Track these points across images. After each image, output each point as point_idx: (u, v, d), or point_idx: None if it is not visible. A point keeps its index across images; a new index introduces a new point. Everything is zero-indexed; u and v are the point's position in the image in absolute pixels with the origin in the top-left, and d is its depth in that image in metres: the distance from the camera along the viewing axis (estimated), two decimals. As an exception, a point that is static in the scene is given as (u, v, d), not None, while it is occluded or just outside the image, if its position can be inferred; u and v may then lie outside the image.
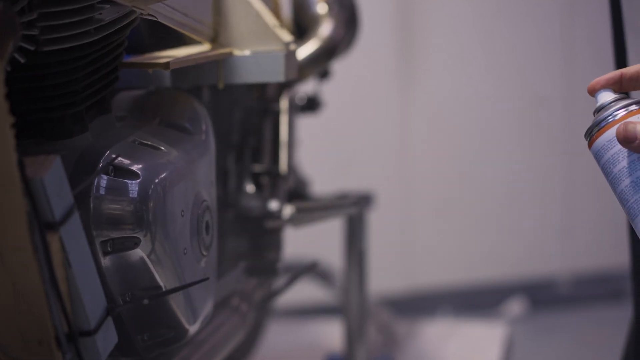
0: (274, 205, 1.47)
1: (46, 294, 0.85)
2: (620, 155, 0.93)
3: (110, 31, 1.00)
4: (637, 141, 0.91)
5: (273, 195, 1.48)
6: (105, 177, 0.98)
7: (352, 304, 1.80)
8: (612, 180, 0.95)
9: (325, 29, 1.62)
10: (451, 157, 3.01)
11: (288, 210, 1.48)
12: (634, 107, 0.94)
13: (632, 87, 0.97)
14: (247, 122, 1.51)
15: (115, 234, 0.98)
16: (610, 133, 0.94)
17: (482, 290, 3.05)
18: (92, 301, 0.92)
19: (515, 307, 2.99)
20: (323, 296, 2.48)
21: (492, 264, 3.06)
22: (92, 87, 1.02)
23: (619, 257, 1.80)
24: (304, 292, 2.37)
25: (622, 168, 0.93)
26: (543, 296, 3.05)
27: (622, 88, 0.97)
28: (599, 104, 0.96)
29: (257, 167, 1.48)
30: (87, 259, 0.92)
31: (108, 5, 0.97)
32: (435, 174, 2.99)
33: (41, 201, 0.84)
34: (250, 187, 1.47)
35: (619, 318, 1.73)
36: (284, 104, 1.54)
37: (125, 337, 1.02)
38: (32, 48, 0.93)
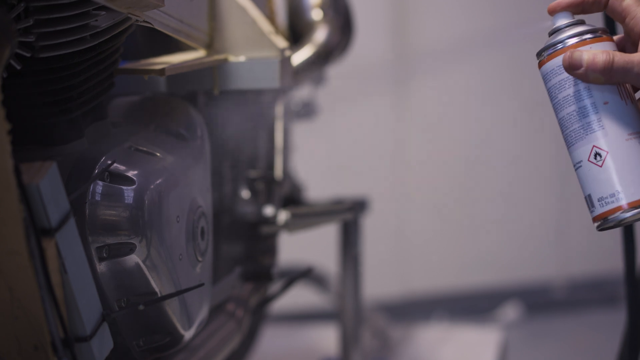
0: (269, 210, 1.47)
1: (42, 299, 0.86)
2: (566, 83, 0.95)
3: (106, 38, 1.00)
4: (581, 69, 0.92)
5: (268, 200, 1.48)
6: (100, 183, 0.98)
7: (347, 309, 1.80)
8: (556, 106, 0.96)
9: (320, 34, 1.62)
10: (446, 163, 3.01)
11: (283, 215, 1.48)
12: (588, 36, 0.95)
13: (595, 9, 0.97)
14: (242, 127, 1.51)
15: (110, 240, 0.98)
16: (560, 59, 0.95)
17: (477, 295, 3.06)
18: (88, 307, 0.92)
19: (510, 312, 3.00)
20: (318, 301, 2.48)
21: (486, 269, 3.07)
22: (88, 93, 1.02)
23: (613, 262, 1.80)
24: (299, 297, 2.37)
25: (567, 95, 0.95)
26: (538, 301, 3.06)
27: (584, 11, 0.98)
28: (555, 26, 0.97)
29: (253, 173, 1.48)
30: (83, 265, 0.92)
31: (104, 12, 0.97)
32: (430, 179, 3.00)
33: (37, 207, 0.85)
34: (245, 193, 1.47)
35: (614, 323, 1.74)
36: (279, 109, 1.54)
37: (120, 342, 1.02)
38: (28, 54, 0.93)
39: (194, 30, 1.19)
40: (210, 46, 1.25)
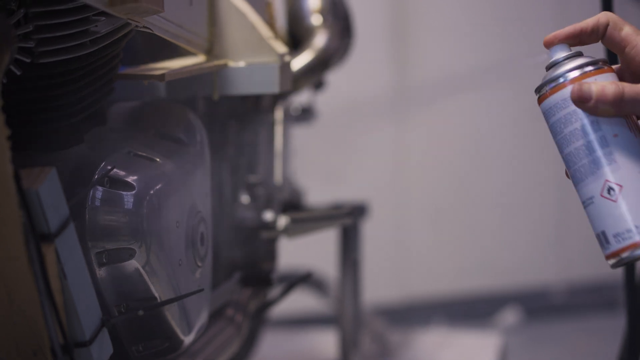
0: (268, 215, 1.47)
1: (41, 305, 0.86)
2: (572, 117, 0.92)
3: (106, 43, 1.00)
4: (591, 101, 0.89)
5: (268, 205, 1.49)
6: (100, 188, 0.98)
7: (346, 313, 1.80)
8: (561, 141, 0.93)
9: (320, 40, 1.63)
10: (445, 168, 3.01)
11: (283, 220, 1.48)
12: (590, 68, 0.92)
13: (592, 40, 0.95)
14: (242, 132, 1.51)
15: (110, 245, 0.98)
16: (564, 93, 0.92)
17: (476, 299, 3.06)
18: (87, 312, 0.92)
19: (509, 316, 3.00)
20: (318, 306, 2.48)
21: (486, 274, 3.07)
22: (88, 98, 1.02)
23: (613, 266, 1.80)
24: (299, 301, 2.37)
25: (574, 130, 0.92)
26: (537, 306, 3.06)
27: (581, 42, 0.95)
28: (553, 59, 0.95)
29: (252, 178, 1.48)
30: (82, 270, 0.92)
31: (103, 18, 0.97)
32: (430, 184, 3.00)
33: (37, 212, 0.85)
34: (245, 198, 1.47)
35: (613, 327, 1.74)
36: (278, 114, 1.55)
37: (120, 348, 1.02)
38: (28, 60, 0.93)
39: (194, 36, 1.19)
40: (209, 51, 1.25)
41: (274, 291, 1.59)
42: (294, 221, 1.50)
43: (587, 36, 0.95)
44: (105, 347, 0.95)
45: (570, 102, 0.91)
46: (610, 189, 0.90)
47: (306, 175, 2.01)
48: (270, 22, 1.49)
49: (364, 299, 1.89)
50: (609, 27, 0.94)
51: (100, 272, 0.98)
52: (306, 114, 1.77)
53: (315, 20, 1.65)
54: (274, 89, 1.25)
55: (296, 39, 1.67)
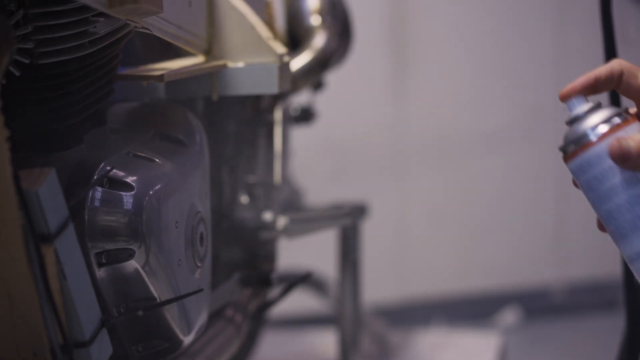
0: (268, 216, 1.47)
1: (41, 305, 0.86)
2: (610, 173, 0.88)
3: (105, 44, 1.01)
4: (631, 159, 0.87)
5: (267, 206, 1.49)
6: (99, 189, 0.98)
7: (346, 313, 1.80)
8: (598, 198, 0.90)
9: (319, 40, 1.63)
10: (445, 167, 3.01)
11: (282, 221, 1.49)
12: (616, 120, 0.89)
13: (607, 88, 0.94)
14: (241, 133, 1.51)
15: (109, 246, 0.98)
16: (597, 149, 0.89)
17: (475, 299, 3.06)
18: (87, 313, 0.92)
19: (509, 316, 3.00)
20: (317, 306, 2.48)
21: (485, 274, 3.07)
22: (87, 99, 1.02)
23: (612, 266, 1.81)
24: (299, 302, 2.37)
25: (613, 186, 0.88)
26: (537, 305, 3.06)
27: (597, 91, 0.94)
28: (574, 114, 0.92)
29: (252, 178, 1.49)
30: (82, 271, 0.92)
31: (102, 19, 0.97)
32: (429, 184, 3.00)
33: (36, 213, 0.85)
34: (244, 198, 1.47)
35: (613, 327, 1.74)
36: (277, 115, 1.55)
37: (120, 348, 1.02)
38: (27, 61, 0.93)
39: (193, 37, 1.19)
40: (209, 52, 1.25)
41: (274, 291, 1.59)
42: (293, 221, 1.50)
43: (602, 85, 0.93)
44: (104, 347, 0.95)
45: (605, 159, 0.88)
46: None
47: (305, 176, 2.01)
48: (269, 22, 1.49)
49: (364, 299, 1.89)
50: (624, 76, 0.92)
51: (100, 273, 0.98)
52: (305, 114, 1.77)
53: (315, 20, 1.65)
54: (273, 89, 1.25)
55: (295, 40, 1.67)
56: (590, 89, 0.93)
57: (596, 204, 0.91)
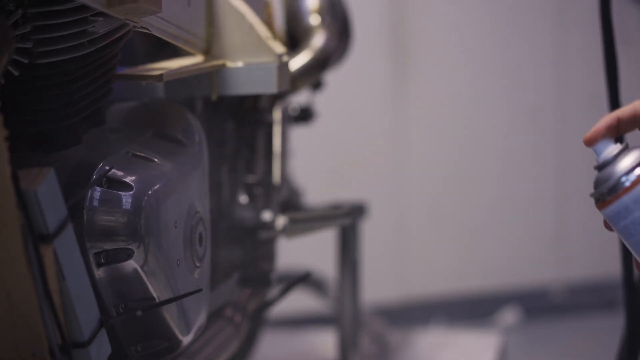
0: (267, 216, 1.47)
1: (40, 305, 0.86)
2: None
3: (104, 44, 1.01)
4: None
5: (266, 206, 1.49)
6: (98, 189, 0.98)
7: (345, 313, 1.80)
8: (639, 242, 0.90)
9: (318, 40, 1.63)
10: (444, 167, 3.01)
11: (281, 220, 1.48)
12: None
13: (630, 128, 0.93)
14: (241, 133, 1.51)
15: (108, 246, 0.98)
16: (633, 194, 0.88)
17: (475, 299, 3.06)
18: (86, 313, 0.92)
19: (509, 316, 3.00)
20: (317, 306, 2.48)
21: (485, 274, 3.07)
22: (86, 99, 1.02)
23: (612, 266, 1.81)
24: (298, 302, 2.37)
25: None
26: (536, 305, 3.06)
27: (620, 132, 0.93)
28: (602, 159, 0.91)
29: (251, 178, 1.48)
30: (81, 271, 0.92)
31: (101, 18, 0.97)
32: (429, 183, 3.00)
33: (35, 213, 0.85)
34: (243, 198, 1.47)
35: (612, 327, 1.74)
36: (277, 114, 1.55)
37: (119, 348, 1.02)
38: (26, 61, 0.93)
39: (192, 36, 1.19)
40: (208, 52, 1.25)
41: (273, 291, 1.59)
42: (292, 221, 1.50)
43: (625, 125, 0.92)
44: (103, 347, 0.95)
45: None
46: None
47: (305, 175, 2.01)
48: (268, 22, 1.49)
49: (363, 298, 1.89)
50: None
51: (99, 273, 0.98)
52: (305, 114, 1.77)
53: (314, 20, 1.65)
54: (272, 89, 1.25)
55: (294, 39, 1.67)
56: (614, 131, 0.92)
57: (636, 249, 0.90)
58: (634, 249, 0.91)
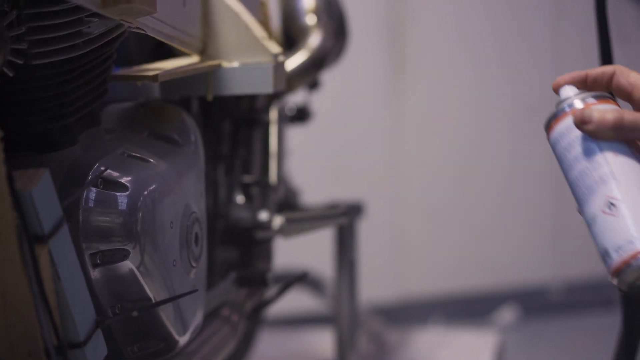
0: (264, 215, 1.47)
1: (35, 306, 0.86)
2: (576, 142, 0.93)
3: (99, 44, 1.00)
4: (592, 124, 0.92)
5: (263, 205, 1.49)
6: (94, 189, 0.98)
7: (343, 312, 1.80)
8: (566, 167, 0.95)
9: (314, 39, 1.63)
10: (442, 166, 3.01)
11: (278, 220, 1.48)
12: (592, 100, 0.94)
13: (595, 88, 0.97)
14: (237, 133, 1.51)
15: (104, 246, 0.98)
16: (567, 121, 0.94)
17: (473, 298, 3.06)
18: (82, 313, 0.92)
19: (507, 314, 3.00)
20: (314, 305, 2.48)
21: (483, 272, 3.07)
22: (81, 99, 1.02)
23: (609, 264, 1.80)
24: (295, 301, 2.37)
25: (577, 154, 0.93)
26: (534, 304, 3.06)
27: (587, 87, 0.97)
28: (561, 98, 0.97)
29: (247, 178, 1.49)
30: (76, 272, 0.92)
31: (96, 19, 0.97)
32: (426, 182, 3.00)
33: (30, 214, 0.85)
34: (240, 198, 1.47)
35: (610, 325, 1.74)
36: (273, 114, 1.55)
37: (115, 349, 1.02)
38: (21, 62, 0.93)
39: (187, 36, 1.19)
40: (203, 52, 1.25)
41: (270, 291, 1.59)
42: (289, 221, 1.50)
43: (593, 81, 0.97)
44: (99, 348, 0.95)
45: (574, 129, 0.93)
46: (610, 205, 0.89)
47: (302, 175, 2.01)
48: (264, 22, 1.49)
49: (361, 298, 1.89)
50: (615, 75, 0.96)
51: (95, 273, 0.98)
52: (301, 114, 1.77)
53: (310, 19, 1.65)
54: (268, 89, 1.25)
55: (291, 39, 1.67)
56: (580, 82, 0.97)
57: (565, 174, 0.95)
58: (564, 175, 0.95)
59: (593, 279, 3.09)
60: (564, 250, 3.11)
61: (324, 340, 2.13)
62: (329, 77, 1.80)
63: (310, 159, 2.63)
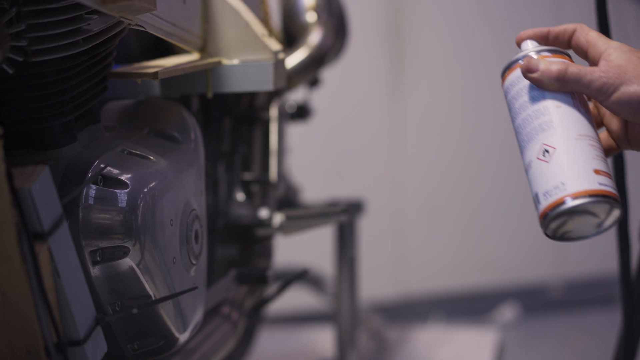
0: (264, 213, 1.47)
1: (35, 304, 0.86)
2: (523, 91, 0.96)
3: (99, 41, 1.00)
4: (537, 73, 0.95)
5: (263, 203, 1.48)
6: (94, 186, 0.98)
7: (343, 310, 1.80)
8: (513, 114, 0.98)
9: (315, 37, 1.63)
10: (442, 164, 3.01)
11: (278, 218, 1.48)
12: (546, 53, 0.97)
13: (557, 44, 1.00)
14: (237, 130, 1.51)
15: (104, 244, 0.98)
16: (519, 71, 0.97)
17: (473, 296, 3.06)
18: (81, 311, 0.92)
19: (507, 312, 3.00)
20: (314, 303, 2.48)
21: (483, 270, 3.07)
22: (81, 97, 1.02)
23: (610, 262, 1.81)
24: (296, 299, 2.37)
25: (523, 102, 0.96)
26: (534, 302, 3.06)
27: (549, 43, 1.00)
28: (522, 51, 0.99)
29: (247, 175, 1.48)
30: (76, 269, 0.92)
31: (96, 16, 0.97)
32: (426, 180, 3.00)
33: (30, 211, 0.85)
34: (240, 196, 1.47)
35: (610, 323, 1.74)
36: (273, 112, 1.55)
37: (115, 346, 1.02)
38: (20, 59, 0.93)
39: (187, 34, 1.19)
40: (203, 49, 1.25)
41: (270, 289, 1.59)
42: (289, 218, 1.50)
43: (554, 37, 1.00)
44: (99, 345, 0.95)
45: (523, 79, 0.97)
46: (545, 151, 0.93)
47: (302, 173, 2.01)
48: (264, 19, 1.49)
49: (361, 296, 1.89)
50: (575, 32, 0.99)
51: (94, 271, 0.98)
52: (302, 111, 1.77)
53: (310, 17, 1.65)
54: (268, 86, 1.25)
55: (291, 37, 1.67)
56: (542, 38, 1.01)
57: (512, 120, 0.98)
58: (512, 122, 0.98)
59: (593, 276, 3.09)
60: (563, 248, 3.10)
61: (324, 338, 2.13)
62: (329, 74, 1.80)
63: (310, 156, 2.63)
